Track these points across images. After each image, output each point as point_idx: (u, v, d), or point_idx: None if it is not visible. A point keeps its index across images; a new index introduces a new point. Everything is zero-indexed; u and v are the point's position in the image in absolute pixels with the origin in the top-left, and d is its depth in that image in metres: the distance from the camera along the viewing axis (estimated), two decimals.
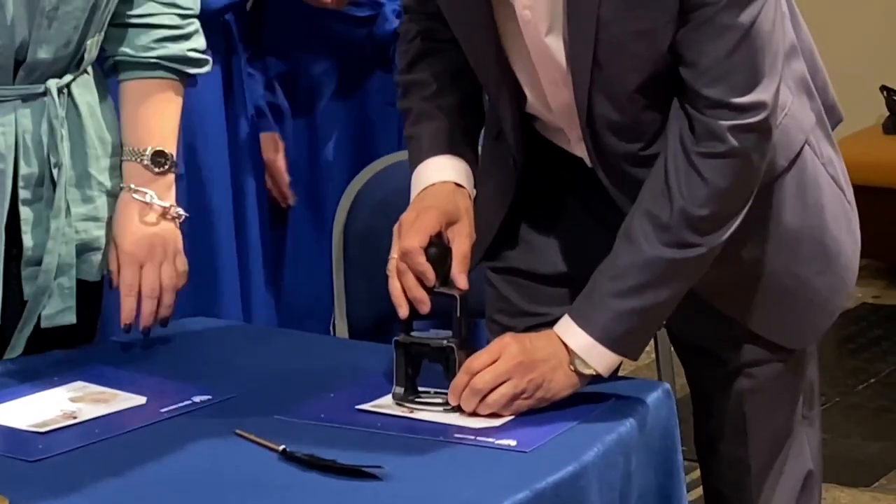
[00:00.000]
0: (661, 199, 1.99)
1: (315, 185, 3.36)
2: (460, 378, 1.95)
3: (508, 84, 2.10)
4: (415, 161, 2.12)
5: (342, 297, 2.78)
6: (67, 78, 2.19)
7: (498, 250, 2.23)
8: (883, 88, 5.37)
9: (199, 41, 2.31)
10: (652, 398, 2.02)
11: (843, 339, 4.79)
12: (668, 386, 2.07)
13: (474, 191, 2.11)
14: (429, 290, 1.99)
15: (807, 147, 2.12)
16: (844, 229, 2.19)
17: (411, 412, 1.95)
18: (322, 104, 3.35)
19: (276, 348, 2.27)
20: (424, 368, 2.00)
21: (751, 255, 2.11)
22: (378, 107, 3.34)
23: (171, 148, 2.27)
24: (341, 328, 2.76)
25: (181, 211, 2.27)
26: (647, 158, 2.03)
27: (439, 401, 1.96)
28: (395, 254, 2.00)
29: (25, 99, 2.15)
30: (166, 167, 2.25)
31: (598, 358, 1.98)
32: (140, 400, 2.00)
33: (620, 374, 2.22)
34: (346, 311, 2.77)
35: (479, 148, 2.24)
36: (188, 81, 2.32)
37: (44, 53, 2.14)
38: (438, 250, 2.01)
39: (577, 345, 1.97)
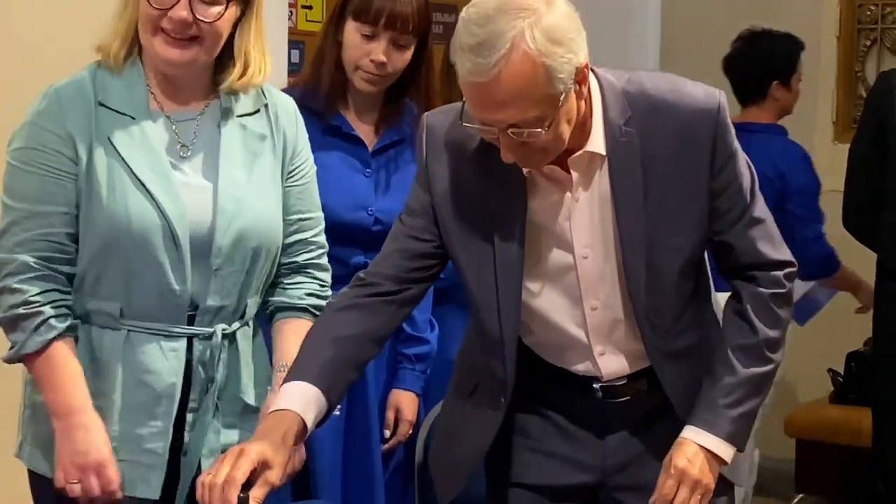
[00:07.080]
0: (747, 333, 2.46)
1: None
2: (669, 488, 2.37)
3: (517, 316, 2.43)
4: (287, 378, 2.40)
5: None
6: (235, 326, 2.68)
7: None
8: (829, 370, 6.07)
9: (329, 293, 2.80)
10: None
11: None
12: None
13: (312, 417, 2.33)
14: None
15: None
16: None
17: None
18: None
19: None
20: None
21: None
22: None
23: None
24: None
25: None
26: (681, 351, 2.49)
27: None
28: (224, 468, 2.21)
29: (201, 337, 2.63)
30: None
31: (725, 451, 2.43)
32: None
33: None
34: None
35: (440, 406, 2.70)
36: None
37: (211, 301, 2.63)
38: None
39: (711, 444, 2.42)
